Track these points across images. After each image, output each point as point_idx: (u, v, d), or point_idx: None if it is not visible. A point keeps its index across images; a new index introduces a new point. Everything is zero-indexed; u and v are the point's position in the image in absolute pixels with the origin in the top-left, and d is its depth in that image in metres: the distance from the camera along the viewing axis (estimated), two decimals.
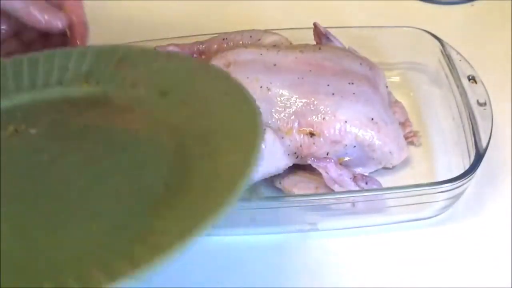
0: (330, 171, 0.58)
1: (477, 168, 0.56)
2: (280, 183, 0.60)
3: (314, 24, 0.68)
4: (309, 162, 0.58)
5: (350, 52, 0.66)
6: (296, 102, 0.59)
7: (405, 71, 0.74)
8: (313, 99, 0.59)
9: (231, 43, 0.67)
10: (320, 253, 0.58)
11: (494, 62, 0.76)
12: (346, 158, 0.59)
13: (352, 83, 0.60)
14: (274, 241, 0.59)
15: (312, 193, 0.58)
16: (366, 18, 0.85)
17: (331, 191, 0.58)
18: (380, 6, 0.88)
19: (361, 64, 0.63)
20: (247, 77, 0.60)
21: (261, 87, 0.60)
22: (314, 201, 0.57)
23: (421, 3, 0.89)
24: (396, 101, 0.68)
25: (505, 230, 0.58)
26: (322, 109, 0.59)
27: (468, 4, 0.88)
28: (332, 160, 0.58)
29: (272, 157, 0.58)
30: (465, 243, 0.58)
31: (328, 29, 0.68)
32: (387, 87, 0.66)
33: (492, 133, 0.58)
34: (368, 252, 0.58)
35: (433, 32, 0.71)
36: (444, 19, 0.86)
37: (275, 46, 0.65)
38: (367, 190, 0.58)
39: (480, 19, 0.86)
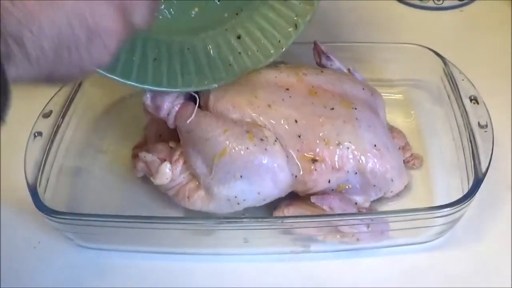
0: (334, 208, 0.55)
1: (476, 193, 0.54)
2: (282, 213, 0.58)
3: (315, 42, 0.65)
4: (312, 200, 0.55)
5: (352, 76, 0.63)
6: (298, 124, 0.56)
7: (408, 89, 0.72)
8: (315, 122, 0.56)
9: None
10: (313, 276, 0.56)
11: (483, 67, 0.75)
12: (347, 186, 0.57)
13: (355, 108, 0.58)
14: (266, 262, 0.58)
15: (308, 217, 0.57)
16: (353, 21, 0.85)
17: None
18: (366, 11, 0.87)
19: (363, 89, 0.61)
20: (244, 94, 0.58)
21: (261, 102, 0.57)
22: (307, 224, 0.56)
23: (410, 8, 0.88)
24: (393, 127, 0.65)
25: (505, 256, 0.57)
26: (324, 134, 0.56)
27: (457, 10, 0.88)
28: (337, 198, 0.56)
29: (278, 171, 0.56)
30: (462, 268, 0.56)
31: (329, 44, 0.66)
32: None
33: (493, 155, 0.57)
34: (362, 275, 0.56)
35: (422, 37, 0.71)
36: (433, 25, 0.86)
37: (276, 66, 0.62)
38: (363, 214, 0.57)
39: (468, 24, 0.86)
